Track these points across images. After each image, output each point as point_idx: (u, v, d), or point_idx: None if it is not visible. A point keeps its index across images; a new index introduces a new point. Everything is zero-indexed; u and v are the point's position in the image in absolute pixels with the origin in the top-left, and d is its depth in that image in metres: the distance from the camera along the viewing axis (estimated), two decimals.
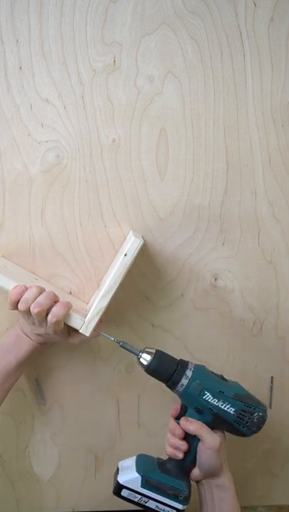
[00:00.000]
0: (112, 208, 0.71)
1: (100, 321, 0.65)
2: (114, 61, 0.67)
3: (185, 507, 0.64)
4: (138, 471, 0.63)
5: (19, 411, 0.79)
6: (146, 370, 0.64)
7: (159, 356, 0.64)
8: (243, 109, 0.69)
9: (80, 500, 0.85)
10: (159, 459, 0.67)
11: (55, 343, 0.74)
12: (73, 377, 0.79)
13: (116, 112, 0.68)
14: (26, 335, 0.69)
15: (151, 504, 0.63)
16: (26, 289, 0.63)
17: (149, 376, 0.64)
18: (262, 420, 0.63)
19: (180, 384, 0.62)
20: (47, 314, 0.63)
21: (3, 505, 0.84)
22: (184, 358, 0.66)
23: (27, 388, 0.78)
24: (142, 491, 0.62)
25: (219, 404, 0.62)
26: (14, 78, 0.67)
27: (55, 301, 0.64)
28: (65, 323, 0.65)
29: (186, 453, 0.64)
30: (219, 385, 0.63)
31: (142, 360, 0.64)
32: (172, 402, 0.67)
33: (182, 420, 0.64)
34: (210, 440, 0.62)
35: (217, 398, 0.62)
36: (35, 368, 0.78)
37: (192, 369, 0.63)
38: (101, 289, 0.66)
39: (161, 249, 0.73)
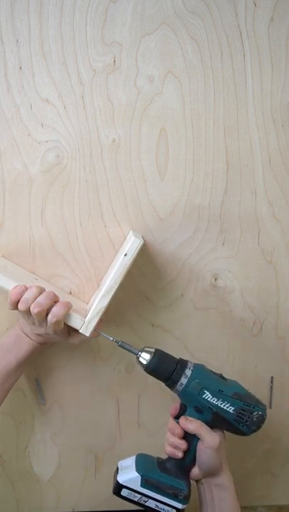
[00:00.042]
0: (112, 208, 0.72)
1: (100, 321, 0.66)
2: (114, 61, 0.67)
3: (185, 506, 0.64)
4: (138, 470, 0.63)
5: (19, 411, 0.79)
6: (145, 370, 0.64)
7: (159, 355, 0.64)
8: (243, 109, 0.69)
9: (80, 500, 0.85)
10: (158, 458, 0.67)
11: (55, 343, 0.74)
12: (73, 377, 0.79)
13: (116, 112, 0.68)
14: (26, 335, 0.69)
15: (151, 503, 0.63)
16: (26, 289, 0.63)
17: (149, 376, 0.65)
18: (261, 419, 0.63)
19: (179, 383, 0.63)
20: (47, 314, 0.63)
21: (3, 505, 0.84)
22: (183, 358, 0.66)
23: (27, 388, 0.79)
24: (141, 491, 0.63)
25: (219, 403, 0.63)
26: (14, 78, 0.67)
27: (55, 301, 0.64)
28: (65, 323, 0.65)
29: (185, 452, 0.64)
30: (218, 383, 0.64)
31: (141, 359, 0.64)
32: (172, 401, 0.68)
33: (182, 419, 0.64)
34: (209, 439, 0.62)
35: (216, 397, 0.63)
36: (35, 368, 0.78)
37: (191, 368, 0.64)
38: (101, 289, 0.66)
39: (161, 249, 0.74)
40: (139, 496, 0.63)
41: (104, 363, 0.79)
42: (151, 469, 0.64)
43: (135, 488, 0.63)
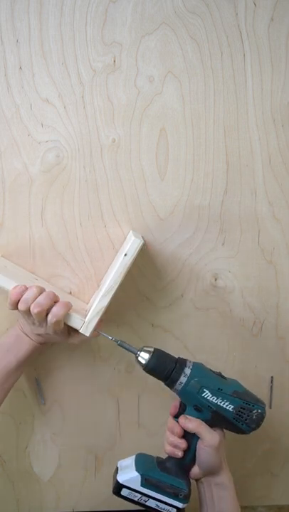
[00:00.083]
0: (112, 208, 0.72)
1: (101, 321, 0.66)
2: (114, 61, 0.67)
3: (185, 505, 0.64)
4: (137, 470, 0.64)
5: (19, 411, 0.80)
6: (144, 369, 0.64)
7: (158, 354, 0.64)
8: (243, 109, 0.70)
9: (80, 500, 0.86)
10: (158, 457, 0.67)
11: (55, 343, 0.74)
12: (73, 377, 0.79)
13: (116, 112, 0.69)
14: (26, 335, 0.69)
15: (151, 503, 0.63)
16: (26, 289, 0.64)
17: (149, 376, 0.65)
18: (261, 417, 0.64)
19: (179, 382, 0.63)
20: (47, 314, 0.63)
21: (3, 505, 0.85)
22: (182, 357, 0.66)
23: (27, 388, 0.79)
24: (141, 490, 0.63)
25: (218, 401, 0.63)
26: (14, 78, 0.67)
27: (55, 301, 0.64)
28: (65, 323, 0.65)
29: (185, 451, 0.65)
30: (218, 382, 0.64)
31: (140, 358, 0.64)
32: (172, 401, 0.68)
33: (181, 418, 0.65)
34: (209, 438, 0.63)
35: (216, 396, 0.63)
36: (35, 367, 0.78)
37: (190, 367, 0.64)
38: (101, 289, 0.67)
39: (161, 249, 0.74)
40: (140, 495, 0.63)
41: (104, 363, 0.79)
42: (151, 469, 0.65)
43: (135, 488, 0.63)
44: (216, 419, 0.64)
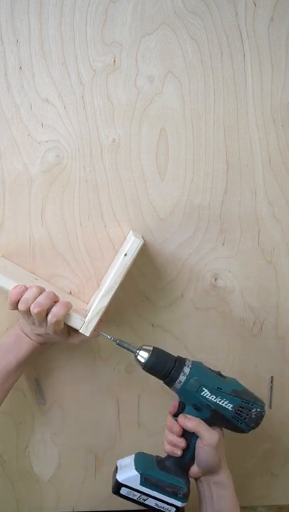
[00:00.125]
0: (112, 208, 0.72)
1: (101, 321, 0.66)
2: (114, 61, 0.68)
3: (184, 504, 0.65)
4: (137, 469, 0.64)
5: (19, 411, 0.80)
6: (143, 368, 0.64)
7: (157, 353, 0.65)
8: (243, 109, 0.70)
9: (80, 500, 0.86)
10: (157, 456, 0.68)
11: (55, 343, 0.75)
12: (73, 377, 0.80)
13: (116, 112, 0.69)
14: (26, 335, 0.69)
15: (150, 502, 0.64)
16: (26, 289, 0.64)
17: (149, 376, 0.65)
18: (260, 416, 0.64)
19: (178, 381, 0.63)
20: (47, 314, 0.64)
21: (3, 505, 0.85)
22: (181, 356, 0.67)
23: (27, 388, 0.79)
24: (141, 489, 0.63)
25: (217, 400, 0.63)
26: (14, 78, 0.67)
27: (55, 301, 0.65)
28: (65, 323, 0.65)
29: (184, 450, 0.65)
30: (217, 381, 0.64)
31: (139, 357, 0.64)
32: (172, 401, 0.68)
33: (180, 417, 0.65)
34: (208, 437, 0.63)
35: (215, 395, 0.63)
36: (35, 367, 0.78)
37: (190, 366, 0.64)
38: (101, 289, 0.67)
39: (161, 249, 0.74)
40: (139, 494, 0.64)
41: (104, 363, 0.79)
42: (151, 468, 0.65)
43: (134, 487, 0.63)
44: (215, 418, 0.64)
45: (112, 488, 0.65)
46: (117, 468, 0.66)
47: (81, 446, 0.83)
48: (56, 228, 0.73)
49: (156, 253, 0.75)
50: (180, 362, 0.65)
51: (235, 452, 0.83)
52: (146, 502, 0.64)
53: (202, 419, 0.64)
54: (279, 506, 0.92)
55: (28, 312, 0.64)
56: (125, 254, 0.64)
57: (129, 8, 0.66)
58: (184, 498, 0.64)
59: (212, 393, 0.63)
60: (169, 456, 0.66)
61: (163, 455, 0.67)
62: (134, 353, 0.65)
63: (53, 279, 0.74)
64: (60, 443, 0.83)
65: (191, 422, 0.64)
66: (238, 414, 0.64)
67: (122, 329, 0.77)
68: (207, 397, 0.63)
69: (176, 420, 0.65)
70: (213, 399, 0.63)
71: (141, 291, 0.76)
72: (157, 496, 0.64)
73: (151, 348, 0.65)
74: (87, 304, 0.74)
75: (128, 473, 0.64)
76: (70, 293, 0.75)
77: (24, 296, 0.63)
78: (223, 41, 0.68)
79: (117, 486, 0.64)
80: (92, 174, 0.71)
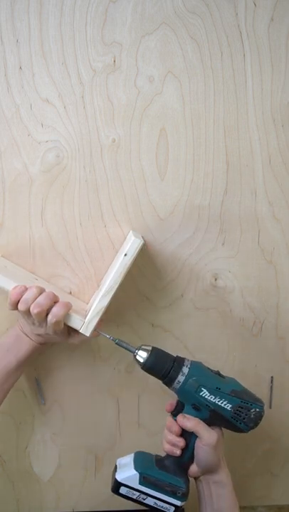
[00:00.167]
0: (112, 208, 0.72)
1: (101, 321, 0.66)
2: (114, 61, 0.68)
3: (183, 503, 0.65)
4: (136, 468, 0.64)
5: (19, 411, 0.80)
6: (142, 367, 0.65)
7: (156, 353, 0.65)
8: (243, 109, 0.70)
9: (80, 500, 0.86)
10: (157, 455, 0.68)
11: (55, 343, 0.75)
12: (73, 377, 0.80)
13: (116, 112, 0.69)
14: (26, 335, 0.70)
15: (149, 501, 0.64)
16: (26, 289, 0.64)
17: (149, 376, 0.66)
18: (259, 416, 0.64)
19: (176, 381, 0.64)
20: (47, 314, 0.64)
21: (3, 505, 0.85)
22: (180, 355, 0.67)
23: (27, 388, 0.80)
24: (140, 488, 0.64)
25: (216, 400, 0.63)
26: (14, 78, 0.68)
27: (55, 302, 0.65)
28: (65, 324, 0.65)
29: (183, 449, 0.65)
30: (216, 381, 0.65)
31: (138, 357, 0.65)
32: None
33: (179, 417, 0.65)
34: (207, 437, 0.63)
35: (214, 395, 0.63)
36: (35, 367, 0.79)
37: (188, 366, 0.65)
38: (101, 289, 0.67)
39: (161, 249, 0.74)
40: (138, 493, 0.64)
41: (104, 363, 0.79)
42: (150, 467, 0.65)
43: (133, 486, 0.64)
44: (214, 418, 0.65)
45: (111, 487, 0.65)
46: (116, 467, 0.66)
47: (81, 446, 0.84)
48: (56, 228, 0.73)
49: (156, 253, 0.75)
50: (179, 362, 0.65)
51: (235, 452, 0.83)
52: (145, 501, 0.64)
53: (201, 419, 0.65)
54: (279, 506, 0.93)
55: (28, 312, 0.64)
56: (125, 254, 0.65)
57: (129, 8, 0.67)
58: (183, 497, 0.65)
59: (211, 393, 0.63)
60: (168, 456, 0.66)
61: (162, 454, 0.68)
62: (133, 352, 0.65)
63: (53, 279, 0.74)
64: (60, 443, 0.83)
65: (190, 421, 0.64)
66: (237, 414, 0.64)
67: (122, 329, 0.78)
68: (206, 397, 0.63)
69: (175, 420, 0.66)
70: (212, 399, 0.63)
71: (141, 291, 0.76)
72: (156, 495, 0.64)
73: (150, 348, 0.65)
74: (87, 304, 0.75)
75: (127, 473, 0.64)
76: (70, 293, 0.75)
77: (24, 297, 0.64)
78: (223, 41, 0.68)
79: (116, 485, 0.64)
80: (92, 174, 0.71)
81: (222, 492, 0.65)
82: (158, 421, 0.81)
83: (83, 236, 0.73)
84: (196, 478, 0.67)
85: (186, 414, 0.65)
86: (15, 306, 0.65)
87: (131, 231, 0.72)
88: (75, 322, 0.66)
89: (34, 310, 0.63)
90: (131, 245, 0.65)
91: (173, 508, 0.64)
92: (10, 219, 0.72)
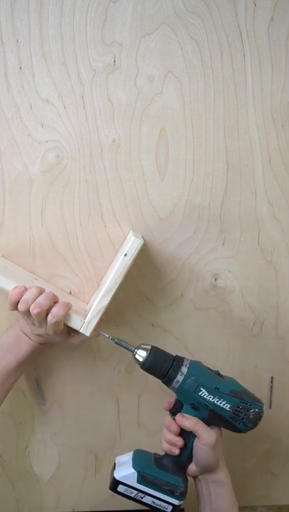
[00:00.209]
0: (112, 208, 0.72)
1: (101, 321, 0.66)
2: (114, 61, 0.68)
3: (181, 502, 0.65)
4: (134, 466, 0.65)
5: (19, 411, 0.80)
6: (141, 367, 0.65)
7: (155, 352, 0.65)
8: (243, 109, 0.70)
9: (80, 500, 0.86)
10: (155, 454, 0.69)
11: (55, 343, 0.75)
12: (73, 377, 0.80)
13: (116, 112, 0.69)
14: (26, 335, 0.70)
15: (147, 500, 0.64)
16: (26, 289, 0.65)
17: (149, 376, 0.66)
18: (258, 416, 0.64)
19: (175, 380, 0.64)
20: (47, 315, 0.64)
21: (3, 505, 0.85)
22: (180, 355, 0.67)
23: (27, 388, 0.80)
24: (138, 487, 0.64)
25: (215, 400, 0.63)
26: (14, 78, 0.68)
27: (55, 302, 0.65)
28: (65, 324, 0.65)
29: (182, 449, 0.66)
30: (215, 381, 0.65)
31: (137, 356, 0.65)
32: None
33: (178, 416, 0.66)
34: (206, 436, 0.63)
35: (213, 394, 0.63)
36: (35, 367, 0.79)
37: (188, 365, 0.65)
38: (101, 289, 0.67)
39: (161, 249, 0.74)
40: (136, 492, 0.64)
41: (104, 363, 0.79)
42: (148, 466, 0.66)
43: (131, 485, 0.64)
44: (212, 417, 0.65)
45: (110, 485, 0.65)
46: (115, 465, 0.67)
47: (81, 446, 0.84)
48: (56, 228, 0.73)
49: (156, 253, 0.75)
50: (178, 361, 0.65)
51: (235, 452, 0.84)
52: (143, 500, 0.65)
53: (200, 419, 0.65)
54: (279, 506, 0.93)
55: (27, 313, 0.64)
56: (125, 254, 0.65)
57: (129, 8, 0.67)
58: (181, 496, 0.65)
59: (210, 393, 0.64)
60: (167, 455, 0.67)
61: (161, 453, 0.68)
62: (132, 351, 0.66)
63: (53, 279, 0.75)
64: (60, 443, 0.83)
65: (188, 421, 0.65)
66: (236, 414, 0.64)
67: (122, 329, 0.78)
68: (205, 397, 0.64)
69: (174, 419, 0.66)
70: (210, 399, 0.64)
71: (141, 291, 0.76)
72: (154, 494, 0.64)
73: (149, 347, 0.65)
74: (87, 303, 0.75)
75: (125, 471, 0.64)
76: (70, 293, 0.75)
77: (24, 297, 0.64)
78: (223, 41, 0.68)
79: (114, 483, 0.65)
80: (92, 174, 0.71)
81: (221, 491, 0.66)
82: (158, 421, 0.82)
83: (83, 236, 0.74)
84: (194, 478, 0.68)
85: (184, 414, 0.65)
86: (15, 306, 0.65)
87: (131, 231, 0.72)
88: (75, 322, 0.66)
89: (34, 310, 0.63)
90: (131, 245, 0.65)
91: (171, 507, 0.65)
92: (10, 219, 0.73)
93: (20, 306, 0.64)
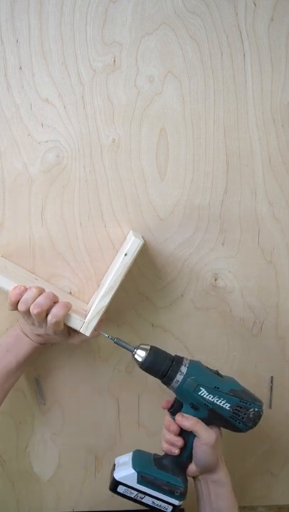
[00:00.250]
0: (112, 208, 0.72)
1: (101, 321, 0.66)
2: (114, 61, 0.68)
3: (181, 502, 0.65)
4: (134, 467, 0.65)
5: (19, 411, 0.80)
6: (140, 367, 0.65)
7: (154, 352, 0.65)
8: (243, 109, 0.70)
9: (80, 500, 0.86)
10: (155, 454, 0.69)
11: (55, 343, 0.75)
12: (73, 377, 0.80)
13: (116, 112, 0.69)
14: (26, 335, 0.70)
15: (147, 500, 0.64)
16: (26, 289, 0.65)
17: (149, 376, 0.66)
18: (258, 416, 0.64)
19: (175, 380, 0.64)
20: (47, 315, 0.64)
21: (3, 505, 0.85)
22: (179, 355, 0.67)
23: (27, 388, 0.80)
24: (138, 487, 0.64)
25: (214, 400, 0.63)
26: (14, 78, 0.68)
27: (55, 302, 0.65)
28: (65, 324, 0.65)
29: (181, 449, 0.66)
30: (214, 380, 0.65)
31: (136, 356, 0.65)
32: None
33: (178, 416, 0.66)
34: (205, 436, 0.64)
35: (212, 394, 0.63)
36: (35, 367, 0.79)
37: (187, 365, 0.65)
38: (101, 289, 0.67)
39: (161, 249, 0.75)
40: (136, 492, 0.64)
41: (104, 363, 0.80)
42: (148, 466, 0.66)
43: (131, 485, 0.64)
44: (212, 417, 0.65)
45: (109, 486, 0.66)
46: (114, 465, 0.67)
47: (81, 446, 0.84)
48: (56, 228, 0.73)
49: (156, 253, 0.75)
50: (177, 361, 0.66)
51: (234, 452, 0.84)
52: (143, 500, 0.65)
53: (199, 419, 0.65)
54: (279, 506, 0.93)
55: (27, 313, 0.64)
56: (125, 254, 0.65)
57: (129, 8, 0.67)
58: (181, 496, 0.65)
59: (209, 393, 0.64)
60: (167, 455, 0.67)
61: (161, 453, 0.68)
62: (132, 351, 0.66)
63: (53, 279, 0.75)
64: (60, 443, 0.83)
65: (188, 421, 0.65)
66: (236, 413, 0.64)
67: (122, 329, 0.78)
68: (204, 396, 0.64)
69: (174, 419, 0.66)
70: (210, 398, 0.64)
71: (141, 291, 0.77)
72: (154, 495, 0.64)
73: (148, 347, 0.65)
74: (87, 304, 0.75)
75: (125, 471, 0.64)
76: (70, 293, 0.75)
77: (24, 297, 0.64)
78: (223, 41, 0.68)
79: (114, 484, 0.65)
80: (92, 174, 0.71)
81: (221, 491, 0.66)
82: (158, 421, 0.82)
83: (83, 236, 0.74)
84: (194, 478, 0.68)
85: (184, 414, 0.66)
86: (15, 306, 0.65)
87: (131, 231, 0.73)
88: (75, 322, 0.66)
89: (34, 310, 0.63)
90: (131, 245, 0.65)
91: (171, 508, 0.65)
92: (10, 219, 0.73)
93: (20, 306, 0.64)
